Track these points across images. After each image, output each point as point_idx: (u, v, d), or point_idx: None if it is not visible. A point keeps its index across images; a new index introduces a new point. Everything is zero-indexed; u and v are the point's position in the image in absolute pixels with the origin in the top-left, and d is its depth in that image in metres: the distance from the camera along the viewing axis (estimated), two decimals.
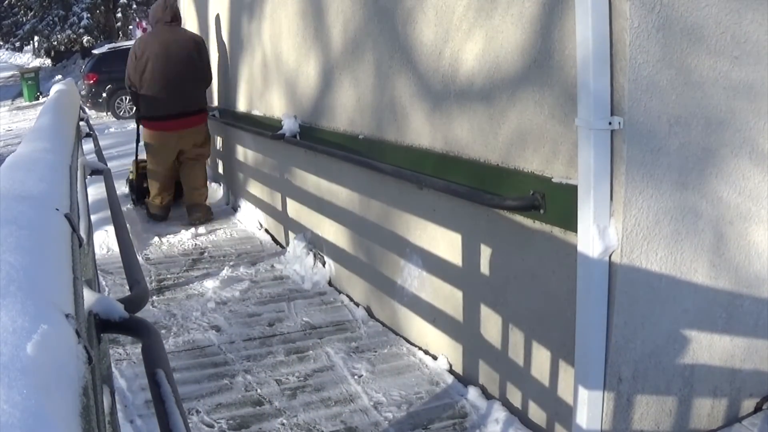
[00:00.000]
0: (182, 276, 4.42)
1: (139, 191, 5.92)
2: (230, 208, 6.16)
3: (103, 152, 4.12)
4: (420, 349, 3.18)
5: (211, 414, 2.72)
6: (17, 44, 33.05)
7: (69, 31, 25.30)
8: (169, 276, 4.42)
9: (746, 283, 2.20)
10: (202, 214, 5.57)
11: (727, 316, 2.20)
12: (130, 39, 21.39)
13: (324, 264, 4.22)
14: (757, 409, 2.35)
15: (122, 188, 6.30)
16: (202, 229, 5.41)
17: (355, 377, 2.98)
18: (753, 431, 2.26)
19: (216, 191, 6.51)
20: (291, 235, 4.71)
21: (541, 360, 2.37)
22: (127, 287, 1.46)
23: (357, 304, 3.77)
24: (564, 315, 2.19)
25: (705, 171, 2.05)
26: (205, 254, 4.87)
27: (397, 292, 3.33)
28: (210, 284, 4.17)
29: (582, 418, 2.11)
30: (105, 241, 4.77)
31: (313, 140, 4.01)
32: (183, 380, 2.95)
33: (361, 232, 3.67)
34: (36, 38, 29.49)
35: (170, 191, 5.66)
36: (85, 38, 25.01)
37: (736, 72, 2.03)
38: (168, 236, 5.25)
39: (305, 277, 4.19)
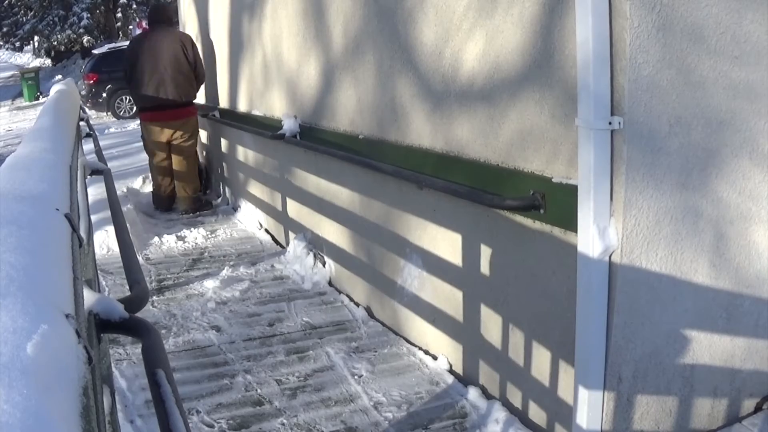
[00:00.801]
0: (182, 276, 4.42)
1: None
2: (230, 208, 6.16)
3: (103, 152, 4.12)
4: (420, 349, 3.18)
5: (211, 414, 2.72)
6: (17, 44, 33.04)
7: (69, 31, 25.30)
8: (169, 276, 4.42)
9: (746, 283, 2.20)
10: (188, 205, 5.99)
11: (727, 316, 2.20)
12: (130, 39, 21.37)
13: (324, 264, 4.22)
14: (757, 409, 2.35)
15: (122, 189, 6.32)
16: (202, 229, 5.41)
17: (355, 377, 2.98)
18: (753, 431, 2.26)
19: (216, 190, 6.70)
20: (291, 235, 4.71)
21: (541, 360, 2.37)
22: (127, 287, 1.46)
23: (357, 304, 3.77)
24: (564, 315, 2.19)
25: (705, 171, 2.05)
26: (205, 254, 4.87)
27: (397, 292, 3.33)
28: (210, 284, 4.17)
29: (582, 418, 2.11)
30: (105, 241, 4.78)
31: (314, 140, 4.01)
32: (183, 380, 2.95)
33: (362, 232, 3.67)
34: (36, 38, 29.50)
35: (171, 180, 6.06)
36: (85, 38, 25.02)
37: (737, 72, 2.02)
38: (168, 236, 5.25)
39: (305, 277, 4.19)
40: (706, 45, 1.97)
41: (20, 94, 21.26)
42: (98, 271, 3.81)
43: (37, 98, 19.62)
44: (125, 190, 6.44)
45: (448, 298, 2.91)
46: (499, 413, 2.56)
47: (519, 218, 2.37)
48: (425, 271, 3.07)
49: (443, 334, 2.99)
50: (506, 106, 2.36)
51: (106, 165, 3.07)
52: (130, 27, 24.87)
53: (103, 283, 4.20)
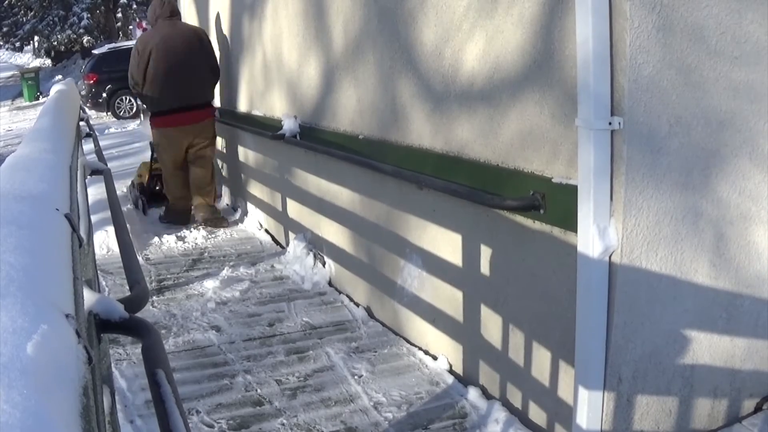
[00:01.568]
0: (182, 276, 4.42)
1: (151, 194, 5.82)
2: (230, 208, 6.16)
3: (103, 152, 4.13)
4: (420, 349, 3.18)
5: (211, 414, 2.72)
6: (17, 44, 33.04)
7: (69, 31, 25.30)
8: (169, 276, 4.42)
9: (746, 283, 2.20)
10: (208, 215, 5.44)
11: (727, 316, 2.20)
12: (130, 39, 21.40)
13: (324, 264, 4.22)
14: (757, 409, 2.35)
15: (122, 189, 6.29)
16: (202, 230, 5.41)
17: (355, 377, 2.98)
18: (753, 431, 2.26)
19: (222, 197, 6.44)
20: (291, 235, 4.71)
21: (541, 360, 2.37)
22: (127, 287, 1.46)
23: (357, 304, 3.77)
24: (564, 315, 2.19)
25: (705, 171, 2.05)
26: (205, 254, 4.87)
27: (397, 293, 3.33)
28: (210, 284, 4.17)
29: (582, 418, 2.11)
30: (105, 241, 4.77)
31: (314, 140, 4.01)
32: (183, 380, 2.95)
33: (362, 232, 3.67)
34: (36, 38, 29.50)
35: (188, 195, 5.54)
36: (85, 38, 25.02)
37: (737, 72, 2.02)
38: (168, 236, 5.25)
39: (305, 278, 4.19)
40: (707, 45, 1.97)
41: (20, 94, 21.26)
42: (98, 271, 3.81)
43: (37, 98, 19.62)
44: (125, 191, 6.43)
45: (448, 298, 2.91)
46: (499, 413, 2.56)
47: (519, 218, 2.37)
48: (425, 271, 3.07)
49: (443, 334, 2.99)
50: (506, 106, 2.36)
51: (106, 165, 3.07)
52: (130, 27, 24.87)
53: (103, 283, 4.20)
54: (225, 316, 3.70)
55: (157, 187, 5.78)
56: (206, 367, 3.13)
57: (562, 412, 2.28)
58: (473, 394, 2.73)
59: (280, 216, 4.96)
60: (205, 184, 5.51)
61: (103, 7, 26.02)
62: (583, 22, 1.91)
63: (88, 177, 2.94)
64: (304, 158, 4.28)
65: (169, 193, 5.55)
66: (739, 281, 2.19)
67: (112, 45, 17.44)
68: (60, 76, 20.82)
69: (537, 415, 2.44)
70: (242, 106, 5.47)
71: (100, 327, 1.10)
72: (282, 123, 4.32)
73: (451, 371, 2.95)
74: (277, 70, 4.57)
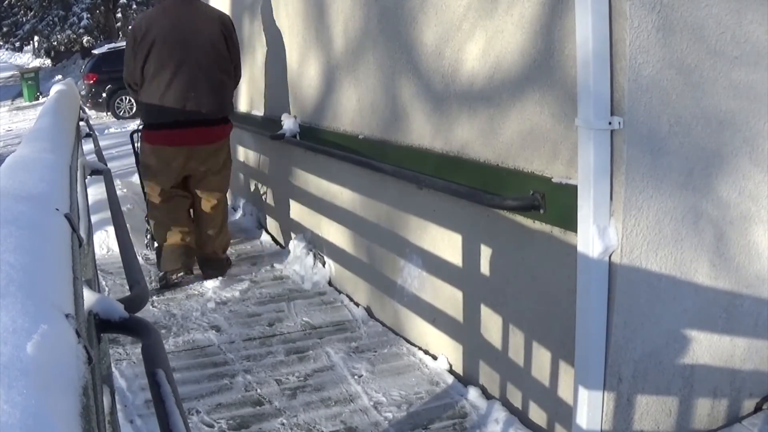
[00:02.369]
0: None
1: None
2: (230, 208, 6.16)
3: (103, 152, 4.12)
4: (420, 349, 3.18)
5: (211, 414, 2.72)
6: (17, 44, 33.05)
7: (69, 31, 25.31)
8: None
9: (746, 283, 2.20)
10: (219, 271, 4.22)
11: (727, 316, 2.20)
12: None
13: (324, 264, 4.22)
14: (757, 409, 2.35)
15: (123, 189, 6.27)
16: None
17: (355, 377, 2.98)
18: (753, 431, 2.26)
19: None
20: (291, 235, 4.70)
21: (541, 360, 2.37)
22: (127, 287, 1.46)
23: (357, 304, 3.77)
24: (564, 315, 2.19)
25: (705, 171, 2.05)
26: None
27: (397, 292, 3.33)
28: (210, 284, 4.17)
29: (582, 418, 2.11)
30: (105, 241, 4.77)
31: (313, 140, 4.01)
32: (183, 380, 2.95)
33: (361, 232, 3.67)
34: (36, 38, 29.50)
35: (190, 227, 4.14)
36: (85, 38, 25.02)
37: (736, 72, 2.03)
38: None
39: (305, 277, 4.19)
40: (706, 45, 1.97)
41: (20, 95, 21.27)
42: (98, 271, 3.81)
43: (37, 98, 19.63)
44: (126, 191, 6.43)
45: (448, 298, 2.91)
46: (499, 413, 2.56)
47: (519, 218, 2.37)
48: (425, 271, 3.07)
49: (443, 334, 2.99)
50: (506, 106, 2.36)
51: (106, 165, 3.07)
52: (130, 27, 24.88)
53: (103, 283, 4.20)
54: (225, 316, 3.70)
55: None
56: (206, 367, 3.13)
57: (562, 412, 2.28)
58: (473, 393, 2.73)
59: (280, 216, 4.96)
60: (218, 224, 4.22)
61: (102, 7, 26.02)
62: (582, 22, 1.91)
63: (88, 177, 2.94)
64: (304, 158, 4.28)
65: (158, 231, 4.10)
66: (739, 281, 2.19)
67: (112, 45, 17.44)
68: (60, 76, 20.82)
69: (537, 414, 2.44)
70: (242, 106, 5.47)
71: (100, 327, 1.10)
72: (282, 123, 4.32)
73: (451, 371, 2.95)
74: (276, 70, 4.57)
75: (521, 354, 2.47)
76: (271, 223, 5.23)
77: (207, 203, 4.18)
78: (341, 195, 3.83)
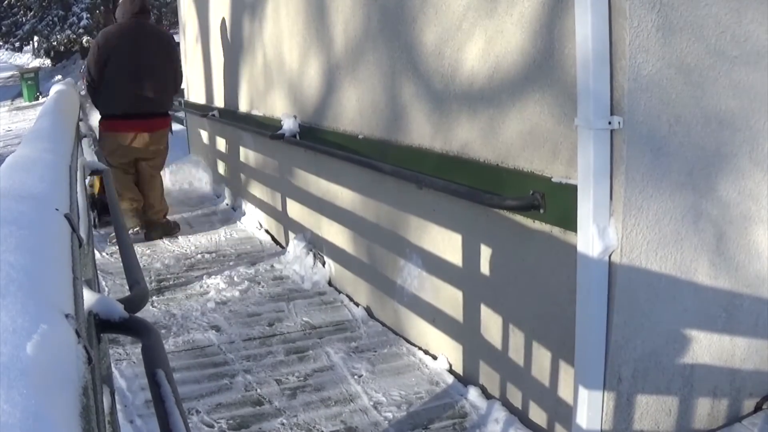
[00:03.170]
0: (182, 276, 4.42)
1: (103, 206, 5.09)
2: (230, 208, 6.17)
3: None
4: (420, 348, 3.18)
5: (211, 414, 2.72)
6: (17, 44, 33.02)
7: (69, 31, 25.30)
8: (169, 276, 4.42)
9: (746, 282, 2.20)
10: (160, 234, 5.19)
11: (727, 315, 2.20)
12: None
13: (324, 264, 4.22)
14: (757, 408, 2.35)
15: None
16: (201, 230, 5.40)
17: (355, 377, 2.98)
18: (753, 431, 2.26)
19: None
20: (291, 235, 4.71)
21: (541, 360, 2.37)
22: (127, 287, 1.46)
23: (357, 304, 3.77)
24: (564, 315, 2.19)
25: (705, 171, 2.05)
26: (205, 254, 4.87)
27: (397, 292, 3.33)
28: (210, 284, 4.18)
29: (582, 417, 2.11)
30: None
31: (313, 140, 4.01)
32: (183, 380, 2.95)
33: (361, 232, 3.67)
34: (36, 38, 29.49)
35: (138, 197, 5.15)
36: (85, 38, 25.00)
37: (736, 72, 2.03)
38: (167, 236, 5.25)
39: (305, 277, 4.19)
40: (706, 44, 1.97)
41: (20, 95, 21.26)
42: (98, 271, 3.81)
43: (37, 98, 19.62)
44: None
45: (448, 298, 2.91)
46: (499, 413, 2.56)
47: (519, 218, 2.37)
48: (425, 271, 3.07)
49: (443, 333, 2.99)
50: (506, 105, 2.36)
51: (106, 165, 3.07)
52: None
53: (103, 283, 4.20)
54: (225, 316, 3.70)
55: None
56: (206, 366, 3.13)
57: (562, 412, 2.28)
58: (473, 393, 2.73)
59: (280, 216, 4.97)
60: (155, 202, 5.24)
61: (102, 7, 26.00)
62: (582, 21, 1.91)
63: (88, 177, 2.94)
64: (303, 158, 4.28)
65: (122, 199, 4.98)
66: (739, 281, 2.19)
67: None
68: (59, 76, 20.80)
69: (537, 414, 2.44)
70: (242, 106, 5.47)
71: (99, 327, 1.10)
72: (282, 123, 4.32)
73: (451, 371, 2.95)
74: (277, 70, 4.57)
75: (521, 354, 2.47)
76: (271, 223, 5.23)
77: (148, 181, 5.21)
78: (341, 195, 3.83)
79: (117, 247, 4.78)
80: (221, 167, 6.49)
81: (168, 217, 5.40)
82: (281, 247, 4.93)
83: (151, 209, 5.21)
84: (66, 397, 0.59)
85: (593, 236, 1.98)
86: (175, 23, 21.89)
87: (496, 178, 2.43)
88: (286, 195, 4.78)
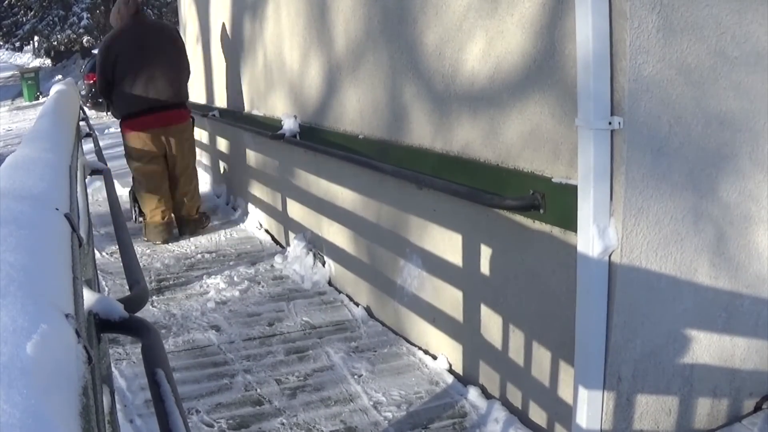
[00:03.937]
0: (182, 276, 4.42)
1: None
2: (230, 208, 6.17)
3: (103, 152, 4.12)
4: (420, 348, 3.18)
5: (211, 414, 2.72)
6: (17, 44, 33.02)
7: (69, 31, 25.30)
8: (169, 276, 4.42)
9: (746, 283, 2.20)
10: (194, 228, 5.28)
11: (727, 315, 2.20)
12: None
13: (324, 264, 4.22)
14: (757, 408, 2.35)
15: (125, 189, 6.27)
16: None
17: (355, 377, 2.98)
18: (753, 431, 2.26)
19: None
20: (291, 234, 4.71)
21: (541, 360, 2.37)
22: (127, 287, 1.46)
23: (357, 304, 3.77)
24: (564, 315, 2.19)
25: (705, 171, 2.06)
26: (205, 254, 4.87)
27: (397, 292, 3.33)
28: (210, 284, 4.18)
29: (582, 417, 2.11)
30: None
31: (313, 140, 4.01)
32: (183, 380, 2.95)
33: (361, 231, 3.67)
34: (36, 38, 29.49)
35: (169, 203, 5.14)
36: (85, 38, 25.01)
37: (737, 72, 2.03)
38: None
39: (305, 277, 4.19)
40: (706, 45, 1.97)
41: (20, 94, 21.26)
42: (98, 271, 3.81)
43: (37, 98, 19.62)
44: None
45: (448, 298, 2.91)
46: (499, 413, 2.57)
47: (519, 218, 2.37)
48: (425, 270, 3.07)
49: (443, 333, 2.99)
50: (506, 106, 2.36)
51: (106, 165, 3.07)
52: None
53: (103, 283, 4.20)
54: (225, 316, 3.70)
55: None
56: (206, 366, 3.13)
57: (562, 412, 2.28)
58: (473, 393, 2.73)
59: (280, 216, 4.97)
60: (193, 191, 5.25)
61: (102, 7, 26.01)
62: (583, 21, 1.91)
63: (88, 177, 2.94)
64: (304, 158, 4.28)
65: (146, 205, 5.10)
66: (739, 281, 2.19)
67: None
68: (60, 76, 20.82)
69: (537, 414, 2.44)
70: (243, 106, 5.47)
71: (99, 327, 1.10)
72: (282, 123, 4.33)
73: (450, 371, 2.95)
74: (277, 70, 4.57)
75: (521, 354, 2.47)
76: (271, 223, 5.23)
77: (187, 172, 5.23)
78: (341, 195, 3.83)
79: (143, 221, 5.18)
80: (221, 167, 6.49)
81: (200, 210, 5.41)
82: (281, 246, 4.93)
83: (184, 206, 5.20)
84: (66, 397, 0.59)
85: (593, 236, 1.98)
86: (175, 23, 21.91)
87: (496, 178, 2.43)
88: (287, 195, 4.78)
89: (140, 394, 2.84)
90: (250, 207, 5.64)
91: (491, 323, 2.63)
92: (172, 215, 5.20)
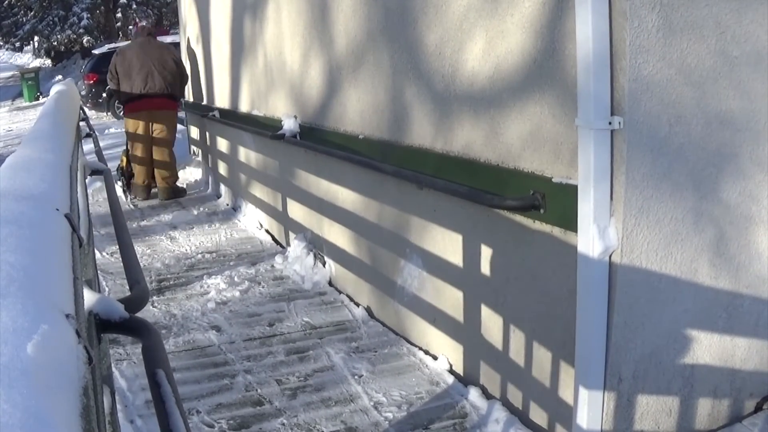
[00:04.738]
0: (182, 276, 4.42)
1: (131, 176, 6.79)
2: (231, 208, 6.17)
3: (103, 152, 4.12)
4: (420, 349, 3.18)
5: (212, 414, 2.72)
6: (17, 44, 33.00)
7: (69, 32, 25.28)
8: (169, 276, 4.42)
9: (746, 283, 2.20)
10: (167, 195, 6.59)
11: (727, 316, 2.20)
12: (130, 39, 21.37)
13: (324, 264, 4.22)
14: (758, 408, 2.35)
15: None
16: (202, 230, 5.41)
17: (356, 377, 2.98)
18: (753, 431, 2.26)
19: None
20: (291, 235, 4.71)
21: (541, 360, 2.37)
22: (127, 287, 1.46)
23: (357, 304, 3.77)
24: (564, 315, 2.19)
25: (705, 171, 2.05)
26: (205, 254, 4.87)
27: (397, 292, 3.33)
28: (210, 284, 4.17)
29: (582, 417, 2.11)
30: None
31: (314, 140, 4.01)
32: (183, 380, 2.95)
33: (362, 232, 3.67)
34: (36, 38, 29.48)
35: (150, 172, 6.67)
36: (85, 38, 25.00)
37: (737, 72, 2.02)
38: (168, 236, 5.25)
39: (305, 277, 4.19)
40: (707, 45, 1.97)
41: (20, 95, 21.25)
42: (98, 271, 3.81)
43: (37, 98, 19.61)
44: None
45: (449, 298, 2.91)
46: (500, 413, 2.56)
47: (519, 218, 2.36)
48: (425, 271, 3.07)
49: (443, 334, 2.99)
50: (507, 106, 2.36)
51: (106, 165, 3.07)
52: (130, 27, 24.80)
53: (104, 283, 4.20)
54: (225, 316, 3.70)
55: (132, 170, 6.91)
56: (206, 367, 3.13)
57: (563, 412, 2.28)
58: (473, 394, 2.73)
59: (281, 216, 4.96)
60: (166, 165, 6.58)
61: (102, 7, 26.00)
62: (583, 21, 1.91)
63: (88, 177, 2.94)
64: (304, 158, 4.28)
65: (135, 173, 6.68)
66: (739, 281, 2.19)
67: (112, 45, 17.40)
68: (60, 76, 20.82)
69: (537, 414, 2.44)
70: (242, 106, 5.47)
71: (100, 327, 1.10)
72: (282, 123, 4.32)
73: (451, 371, 2.95)
74: (278, 70, 4.57)
75: (521, 354, 2.47)
76: (272, 223, 5.23)
77: (159, 152, 6.59)
78: (342, 195, 3.83)
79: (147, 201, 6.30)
80: (222, 167, 6.49)
81: (178, 183, 6.83)
82: (282, 247, 4.93)
83: (161, 175, 6.59)
84: (66, 397, 0.59)
85: (594, 236, 1.98)
86: (175, 23, 21.89)
87: (496, 178, 2.43)
88: (287, 195, 4.78)
89: (141, 395, 2.84)
90: (251, 207, 5.64)
91: (492, 323, 2.63)
92: (151, 181, 6.72)
